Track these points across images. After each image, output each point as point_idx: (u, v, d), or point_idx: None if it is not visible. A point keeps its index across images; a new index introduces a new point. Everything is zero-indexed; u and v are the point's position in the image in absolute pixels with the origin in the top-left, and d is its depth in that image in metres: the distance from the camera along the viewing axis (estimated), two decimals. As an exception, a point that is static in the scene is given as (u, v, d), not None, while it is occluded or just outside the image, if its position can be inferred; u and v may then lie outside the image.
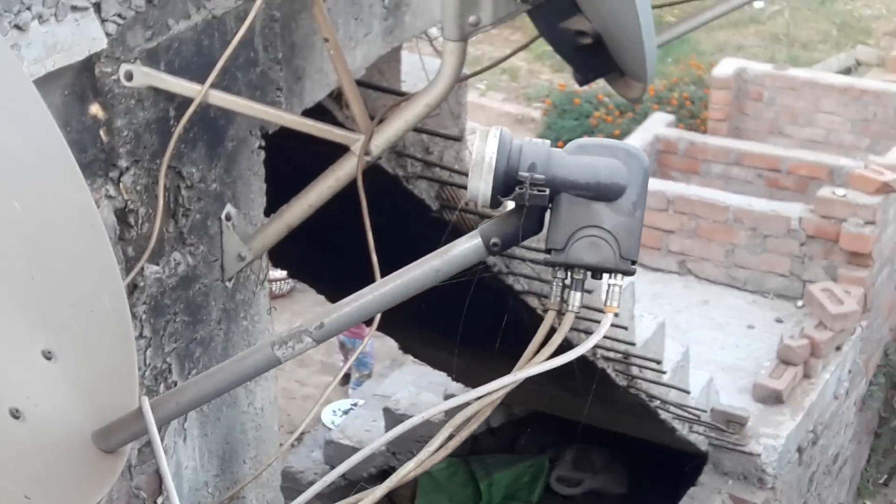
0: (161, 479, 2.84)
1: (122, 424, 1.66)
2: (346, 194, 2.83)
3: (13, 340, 1.62)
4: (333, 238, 3.19)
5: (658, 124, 10.10)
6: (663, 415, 6.37)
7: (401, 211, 3.94)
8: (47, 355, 1.65)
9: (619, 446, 7.28)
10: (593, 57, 2.67)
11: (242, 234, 2.89)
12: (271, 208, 3.00)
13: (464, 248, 1.60)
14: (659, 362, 6.18)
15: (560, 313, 1.59)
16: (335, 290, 6.67)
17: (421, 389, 7.88)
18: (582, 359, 1.79)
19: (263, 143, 2.97)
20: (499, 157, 1.47)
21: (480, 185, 1.47)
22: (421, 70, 4.08)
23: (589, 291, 1.64)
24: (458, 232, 4.46)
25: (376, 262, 2.75)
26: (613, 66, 2.69)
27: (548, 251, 1.54)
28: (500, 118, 12.95)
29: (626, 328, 5.72)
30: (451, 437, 1.84)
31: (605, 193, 1.48)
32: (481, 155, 1.46)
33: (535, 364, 1.60)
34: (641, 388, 6.01)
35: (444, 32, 2.60)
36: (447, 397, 7.65)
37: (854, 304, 7.86)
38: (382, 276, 2.75)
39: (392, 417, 7.81)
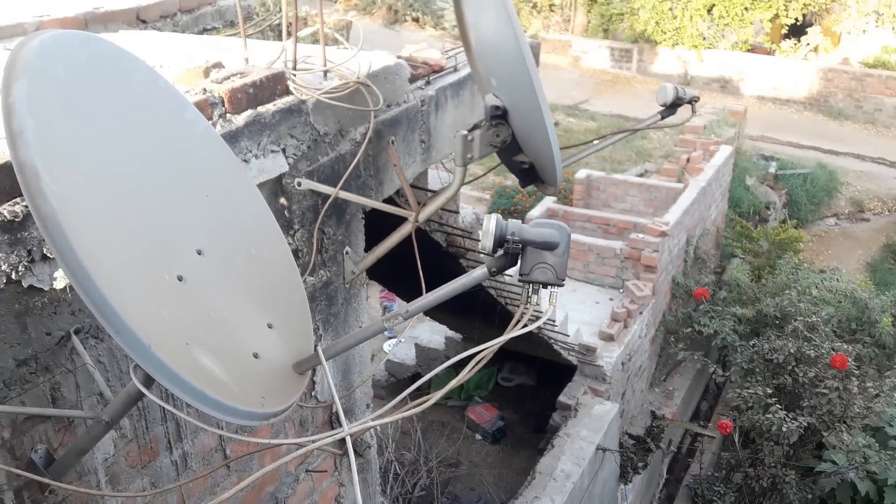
0: (314, 384, 2.87)
1: (307, 360, 1.70)
2: (405, 242, 2.86)
3: (255, 317, 1.65)
4: (397, 263, 3.21)
5: (549, 201, 10.12)
6: (556, 347, 6.39)
7: (429, 248, 3.96)
8: (270, 326, 1.68)
9: (534, 361, 7.28)
10: (529, 174, 2.70)
11: (353, 260, 2.92)
12: (367, 247, 3.02)
13: (478, 273, 1.63)
14: (554, 321, 6.22)
15: (526, 305, 1.61)
16: (398, 290, 6.72)
17: (434, 334, 7.87)
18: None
19: (363, 215, 2.98)
20: (496, 228, 1.51)
21: (487, 243, 1.51)
22: (438, 179, 4.11)
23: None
24: (455, 257, 4.54)
25: (421, 274, 2.77)
26: (538, 178, 2.72)
27: (521, 275, 1.56)
28: (469, 199, 12.99)
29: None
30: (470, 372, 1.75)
31: (549, 246, 1.51)
32: (488, 227, 1.51)
33: (514, 331, 1.62)
34: (546, 334, 6.03)
35: (455, 161, 2.63)
36: (447, 338, 7.66)
37: (648, 291, 7.92)
38: (422, 280, 2.81)
39: (420, 349, 7.79)
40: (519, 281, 1.57)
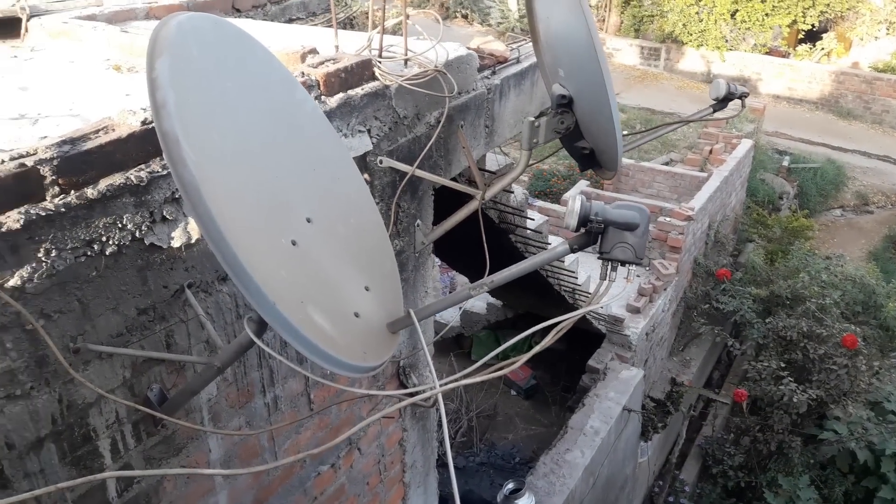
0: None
1: (399, 321, 1.67)
2: (469, 218, 2.82)
3: (354, 281, 1.62)
4: (455, 238, 3.17)
5: (583, 184, 9.96)
6: (588, 317, 6.32)
7: (485, 224, 3.92)
8: (367, 288, 1.65)
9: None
10: (589, 158, 2.63)
11: (423, 232, 2.89)
12: (436, 221, 2.98)
13: (560, 249, 1.58)
14: (590, 294, 6.13)
15: (608, 281, 1.55)
16: (453, 261, 6.66)
17: (476, 300, 7.83)
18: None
19: (433, 192, 2.95)
20: (581, 209, 1.45)
21: (571, 221, 1.45)
22: (495, 161, 4.04)
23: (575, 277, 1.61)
24: (506, 232, 4.49)
25: (486, 249, 2.73)
26: (597, 163, 2.65)
27: (601, 253, 1.50)
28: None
29: (576, 275, 5.72)
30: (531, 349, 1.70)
31: (630, 227, 1.45)
32: (573, 207, 1.45)
33: (590, 305, 1.57)
34: (581, 304, 5.96)
35: (522, 145, 2.56)
36: (488, 304, 7.61)
37: (673, 269, 7.76)
38: (486, 254, 2.77)
39: (464, 313, 7.77)
40: (599, 258, 1.50)
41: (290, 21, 4.27)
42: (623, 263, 1.46)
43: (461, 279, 8.34)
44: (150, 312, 1.85)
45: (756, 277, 8.43)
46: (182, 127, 1.16)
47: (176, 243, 1.86)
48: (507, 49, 3.34)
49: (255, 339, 1.43)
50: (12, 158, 1.57)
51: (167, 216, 1.84)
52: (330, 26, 4.11)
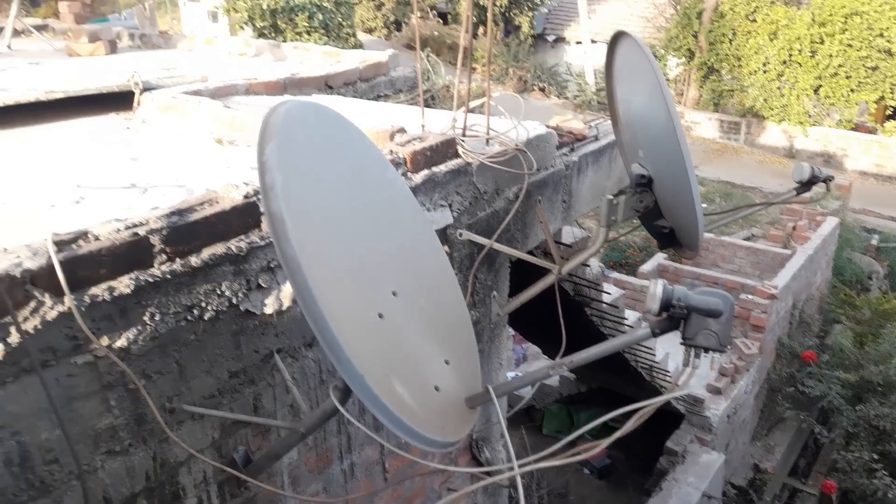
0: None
1: (478, 396, 1.68)
2: (544, 291, 2.83)
3: (435, 354, 1.66)
4: (531, 310, 3.17)
5: (660, 258, 9.79)
6: (664, 395, 6.13)
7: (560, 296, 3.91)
8: (447, 362, 1.68)
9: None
10: (669, 237, 2.63)
11: (499, 303, 2.91)
12: (512, 292, 3.00)
13: (641, 333, 1.58)
14: (669, 372, 5.96)
15: (691, 368, 1.52)
16: (533, 335, 6.61)
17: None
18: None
19: (510, 265, 2.98)
20: (663, 293, 1.45)
21: (653, 306, 1.45)
22: (571, 233, 4.05)
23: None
24: (581, 305, 4.46)
25: (563, 324, 2.72)
26: (677, 242, 2.64)
27: (685, 339, 1.48)
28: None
29: (654, 353, 5.59)
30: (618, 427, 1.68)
31: (714, 314, 1.44)
32: (655, 292, 1.45)
33: (676, 390, 1.54)
34: (659, 383, 5.79)
35: (600, 223, 2.58)
36: (562, 376, 7.47)
37: (756, 350, 7.47)
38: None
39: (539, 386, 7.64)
40: (682, 344, 1.49)
41: (378, 97, 4.49)
42: (707, 350, 1.44)
43: (533, 349, 8.26)
44: (241, 376, 1.94)
45: (844, 361, 8.02)
46: (287, 207, 1.25)
47: (268, 310, 1.96)
48: (586, 127, 3.41)
49: (340, 408, 1.48)
50: (127, 227, 1.71)
51: (262, 284, 1.95)
52: (413, 102, 4.29)
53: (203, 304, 1.82)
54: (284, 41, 14.86)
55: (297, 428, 1.69)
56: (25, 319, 1.51)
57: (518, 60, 22.70)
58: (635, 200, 2.50)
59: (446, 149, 2.55)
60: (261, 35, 14.70)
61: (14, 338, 1.49)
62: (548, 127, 3.12)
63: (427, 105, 4.52)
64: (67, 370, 1.60)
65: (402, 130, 2.61)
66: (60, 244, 1.60)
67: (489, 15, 2.54)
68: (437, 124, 2.84)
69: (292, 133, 1.37)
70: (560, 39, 24.42)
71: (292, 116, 1.39)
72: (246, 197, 1.92)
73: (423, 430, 1.37)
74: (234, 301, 1.88)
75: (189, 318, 1.79)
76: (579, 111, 20.93)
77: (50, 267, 1.54)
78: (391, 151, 2.38)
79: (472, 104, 2.75)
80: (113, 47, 5.38)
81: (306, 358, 2.13)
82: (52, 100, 3.25)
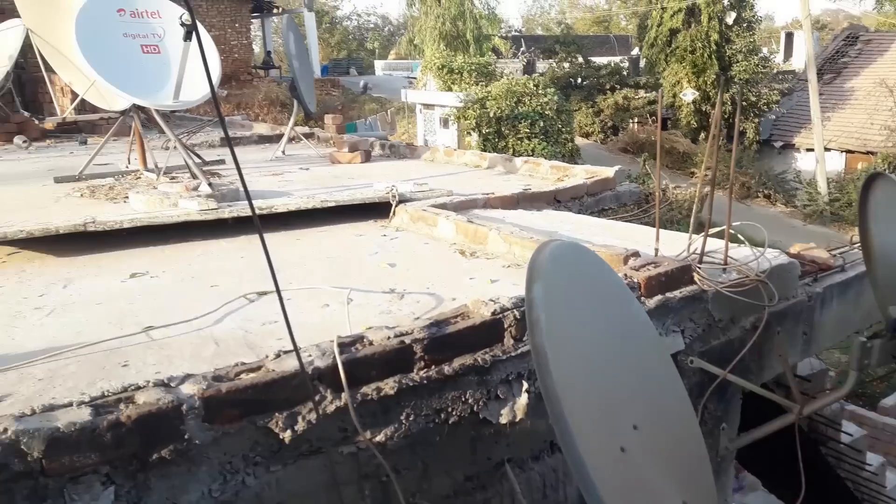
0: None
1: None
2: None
3: (673, 492, 1.65)
4: (764, 445, 2.97)
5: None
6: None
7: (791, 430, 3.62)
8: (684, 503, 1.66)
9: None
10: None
11: (728, 437, 2.78)
12: (742, 429, 2.86)
13: None
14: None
15: None
16: (755, 466, 6.10)
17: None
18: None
19: (741, 397, 2.85)
20: None
21: None
22: (809, 365, 3.78)
23: None
24: (814, 442, 4.07)
25: (801, 469, 2.54)
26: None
27: None
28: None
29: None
30: None
31: None
32: None
33: None
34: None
35: (851, 366, 2.41)
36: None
37: None
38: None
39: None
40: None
41: (602, 211, 4.61)
42: None
43: (750, 478, 7.56)
44: (474, 480, 2.06)
45: None
46: (549, 342, 1.38)
47: (503, 420, 2.08)
48: (830, 257, 3.23)
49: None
50: (396, 336, 1.94)
51: (500, 395, 2.08)
52: (639, 220, 4.34)
53: (449, 409, 1.98)
54: (506, 145, 15.74)
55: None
56: (310, 411, 1.76)
57: (741, 166, 21.82)
58: (892, 346, 2.32)
59: (681, 275, 2.56)
60: (485, 139, 15.68)
61: (300, 425, 1.74)
62: (789, 255, 3.01)
63: (643, 219, 4.54)
64: (335, 458, 1.82)
65: (636, 254, 2.68)
66: (342, 346, 1.86)
67: (715, 119, 2.57)
68: (670, 247, 2.87)
69: (555, 273, 1.51)
70: (788, 146, 23.16)
71: (555, 257, 1.53)
72: (493, 314, 2.09)
73: (662, 571, 1.37)
74: (475, 409, 2.03)
75: (437, 420, 1.96)
76: (809, 220, 19.46)
77: (334, 366, 1.80)
78: (626, 276, 2.45)
79: (711, 231, 2.75)
80: (368, 156, 6.10)
81: (532, 470, 2.21)
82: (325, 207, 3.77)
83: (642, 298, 2.43)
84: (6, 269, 2.92)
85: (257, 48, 28.60)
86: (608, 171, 4.73)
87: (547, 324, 1.40)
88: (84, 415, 1.47)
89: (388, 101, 23.52)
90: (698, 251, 2.73)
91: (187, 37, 3.64)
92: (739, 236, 2.86)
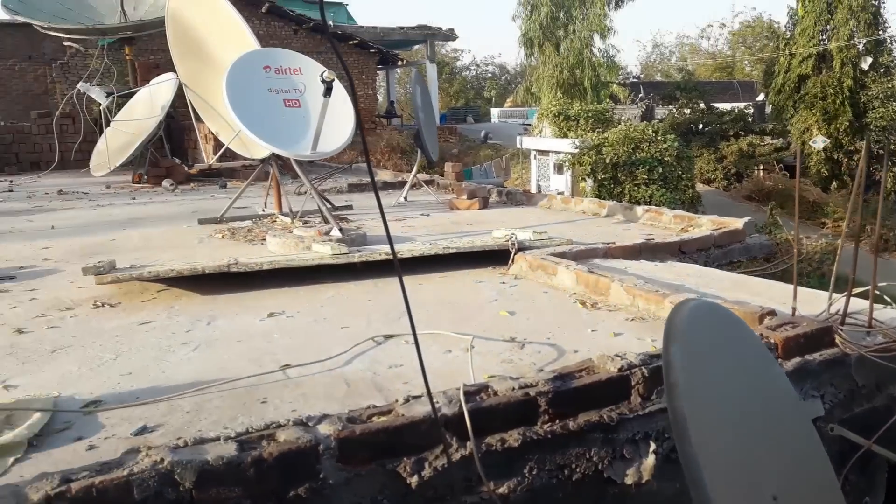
0: None
1: None
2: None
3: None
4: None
5: None
6: None
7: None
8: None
9: None
10: None
11: (873, 514, 2.56)
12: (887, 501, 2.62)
13: None
14: None
15: None
16: None
17: None
18: None
19: (888, 468, 2.62)
20: None
21: None
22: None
23: None
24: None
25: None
26: None
27: None
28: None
29: None
30: None
31: None
32: None
33: None
34: None
35: None
36: None
37: None
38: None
39: None
40: None
41: (731, 263, 4.42)
42: None
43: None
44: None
45: None
46: (689, 406, 1.33)
47: (629, 480, 2.01)
48: None
49: None
50: (521, 387, 1.94)
51: (626, 454, 2.02)
52: (764, 273, 4.13)
53: (573, 466, 1.94)
54: (623, 191, 15.48)
55: None
56: (436, 457, 1.78)
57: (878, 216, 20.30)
58: None
59: (822, 336, 2.42)
60: (601, 185, 15.48)
61: (427, 472, 1.77)
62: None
63: (776, 273, 4.31)
64: (457, 507, 1.83)
65: (772, 313, 2.55)
66: (468, 395, 1.88)
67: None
68: (808, 306, 2.72)
69: (693, 333, 1.47)
70: (934, 196, 21.37)
71: (693, 317, 1.49)
72: (620, 370, 2.05)
73: None
74: (600, 467, 1.98)
75: (560, 476, 1.93)
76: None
77: (460, 414, 1.81)
78: (761, 335, 2.34)
79: (855, 291, 2.58)
80: (485, 203, 6.19)
81: (657, 534, 2.11)
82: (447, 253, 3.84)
83: (778, 360, 2.31)
84: (157, 305, 3.16)
85: (380, 97, 29.90)
86: (737, 223, 4.55)
87: (686, 387, 1.36)
88: (230, 449, 1.56)
89: (503, 147, 23.79)
90: (839, 311, 2.56)
91: (327, 92, 3.86)
92: (885, 297, 2.66)
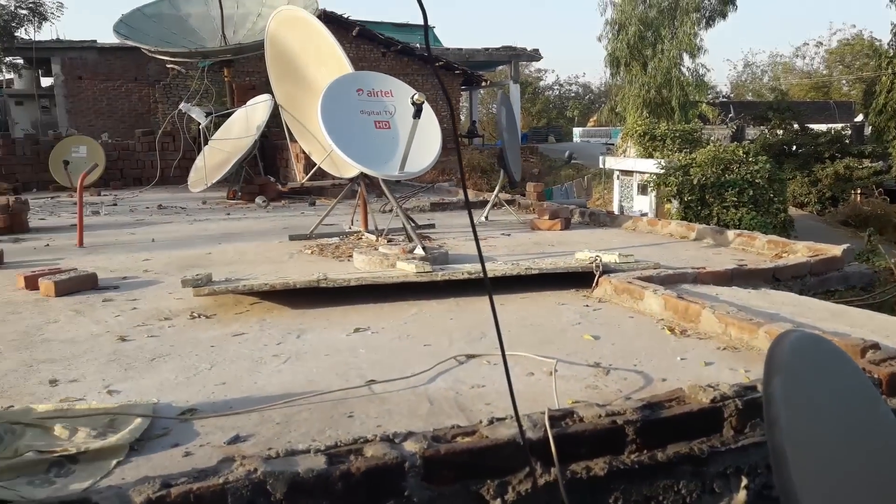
0: None
1: None
2: None
3: None
4: None
5: None
6: None
7: None
8: None
9: None
10: None
11: None
12: None
13: None
14: None
15: None
16: None
17: None
18: None
19: None
20: None
21: None
22: None
23: None
24: None
25: None
26: None
27: None
28: None
29: None
30: None
31: None
32: None
33: None
34: None
35: None
36: None
37: None
38: None
39: None
40: None
41: (827, 292, 4.20)
42: None
43: None
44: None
45: None
46: (789, 443, 1.27)
47: (716, 517, 1.93)
48: None
49: None
50: (608, 414, 1.89)
51: (716, 489, 1.94)
52: (863, 303, 3.90)
53: (660, 498, 1.88)
54: (710, 213, 14.99)
55: None
56: (520, 482, 1.76)
57: None
58: None
59: (933, 374, 2.25)
60: (687, 207, 15.05)
61: (510, 495, 1.74)
62: None
63: (875, 304, 4.05)
64: (539, 534, 1.79)
65: (875, 346, 2.40)
66: (553, 420, 1.85)
67: None
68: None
69: (795, 367, 1.40)
70: None
71: (796, 350, 1.42)
72: (713, 401, 1.97)
73: None
74: (688, 500, 1.91)
75: (647, 509, 1.87)
76: None
77: (545, 439, 1.79)
78: (864, 370, 2.20)
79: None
80: (567, 224, 6.12)
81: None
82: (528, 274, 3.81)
83: (882, 397, 2.17)
84: (249, 318, 3.28)
85: (462, 117, 30.17)
86: (835, 249, 4.32)
87: (787, 423, 1.29)
88: (320, 462, 1.59)
89: (585, 167, 23.53)
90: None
91: (417, 114, 3.93)
92: None
